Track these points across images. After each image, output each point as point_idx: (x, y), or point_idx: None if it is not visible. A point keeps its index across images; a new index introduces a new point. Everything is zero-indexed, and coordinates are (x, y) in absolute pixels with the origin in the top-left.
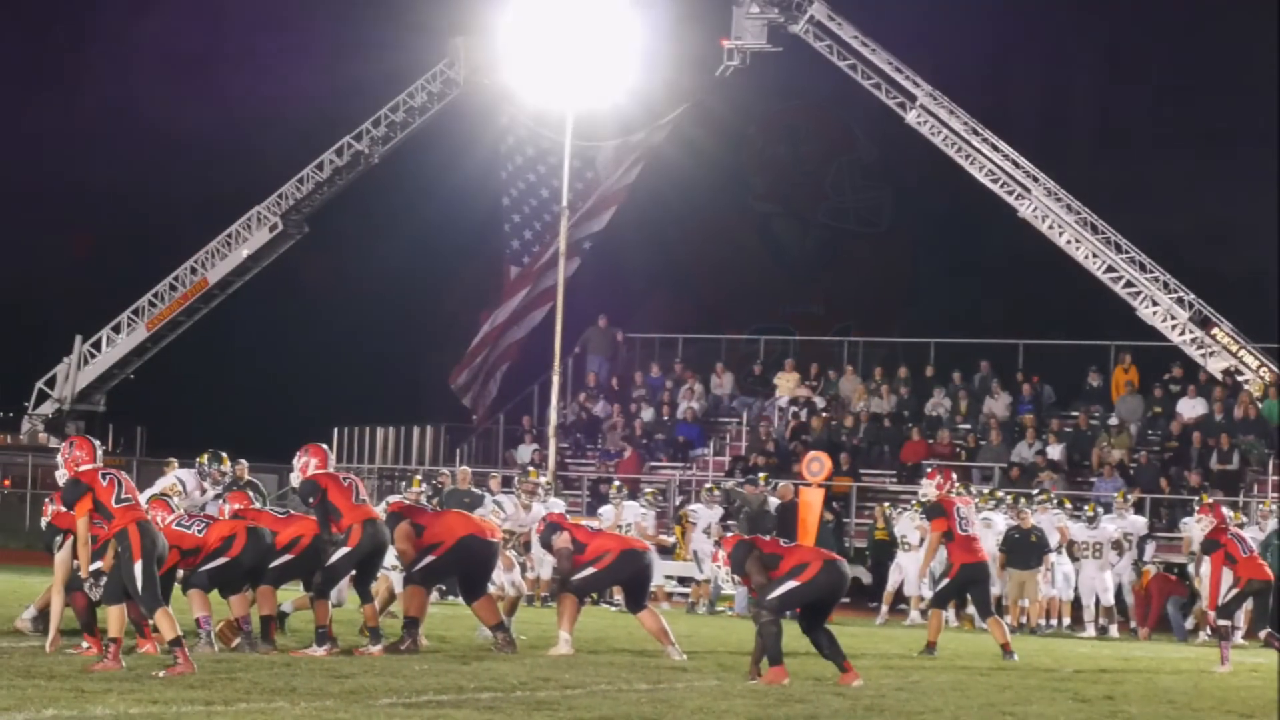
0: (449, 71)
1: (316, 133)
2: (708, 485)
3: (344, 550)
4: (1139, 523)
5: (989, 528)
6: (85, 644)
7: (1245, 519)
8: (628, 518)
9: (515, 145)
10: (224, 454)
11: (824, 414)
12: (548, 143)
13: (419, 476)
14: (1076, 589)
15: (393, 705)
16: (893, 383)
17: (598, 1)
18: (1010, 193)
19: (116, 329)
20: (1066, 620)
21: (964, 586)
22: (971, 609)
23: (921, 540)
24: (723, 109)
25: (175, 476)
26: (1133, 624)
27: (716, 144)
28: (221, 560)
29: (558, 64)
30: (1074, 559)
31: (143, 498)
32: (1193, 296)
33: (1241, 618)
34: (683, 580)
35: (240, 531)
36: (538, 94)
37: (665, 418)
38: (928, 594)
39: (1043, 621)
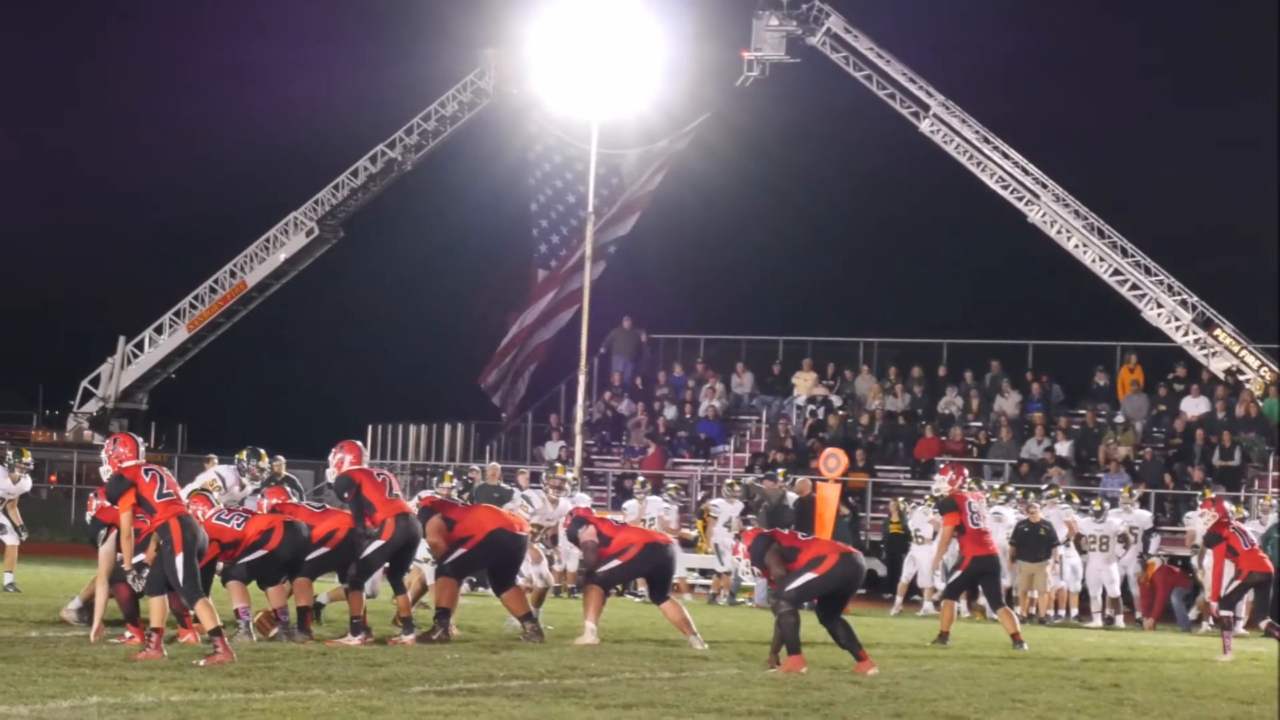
0: (479, 82)
1: (351, 140)
2: (728, 481)
3: (378, 543)
4: (1144, 517)
5: (1000, 522)
6: (128, 634)
7: (1246, 513)
8: (651, 512)
9: (543, 153)
10: (262, 450)
11: (840, 412)
12: (574, 150)
13: (450, 472)
14: (1084, 581)
15: (425, 693)
16: (907, 382)
17: (623, 15)
18: (1020, 199)
19: (159, 330)
20: (1074, 611)
21: (975, 578)
22: (983, 600)
23: (934, 534)
24: (743, 118)
25: (215, 472)
26: (1138, 614)
27: (737, 152)
28: (260, 553)
29: (584, 75)
30: (1081, 552)
31: (184, 493)
32: (1196, 299)
33: (1243, 608)
34: (704, 572)
35: (278, 525)
36: (565, 103)
37: (687, 416)
38: (940, 585)
39: (1051, 612)
